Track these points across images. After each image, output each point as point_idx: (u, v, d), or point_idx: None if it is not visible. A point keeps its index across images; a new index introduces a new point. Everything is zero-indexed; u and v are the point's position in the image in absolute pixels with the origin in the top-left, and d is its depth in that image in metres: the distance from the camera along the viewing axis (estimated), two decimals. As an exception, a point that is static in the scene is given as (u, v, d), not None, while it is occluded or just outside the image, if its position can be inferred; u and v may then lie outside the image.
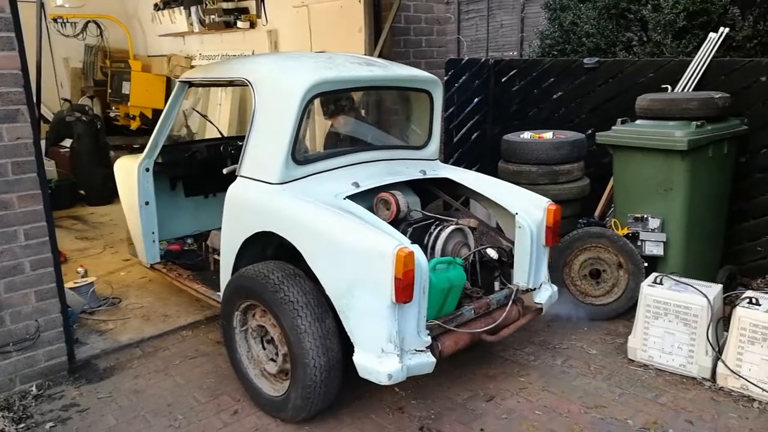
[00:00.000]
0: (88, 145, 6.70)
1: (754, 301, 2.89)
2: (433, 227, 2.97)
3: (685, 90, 4.19)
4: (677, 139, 3.48)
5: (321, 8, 5.23)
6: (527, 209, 3.07)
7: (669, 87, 4.29)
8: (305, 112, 2.81)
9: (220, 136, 4.78)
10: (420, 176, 3.24)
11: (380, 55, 4.57)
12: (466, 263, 2.92)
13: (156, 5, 7.45)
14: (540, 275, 3.11)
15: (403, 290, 2.32)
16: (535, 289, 3.08)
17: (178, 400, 3.03)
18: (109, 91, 7.67)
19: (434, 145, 3.50)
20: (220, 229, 3.32)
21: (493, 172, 4.20)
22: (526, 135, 4.42)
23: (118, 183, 4.10)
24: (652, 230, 3.67)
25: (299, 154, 2.89)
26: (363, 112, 3.99)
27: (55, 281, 3.15)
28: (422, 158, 3.47)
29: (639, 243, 3.70)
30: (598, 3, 5.25)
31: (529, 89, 5.22)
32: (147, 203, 3.82)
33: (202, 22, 6.95)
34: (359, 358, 2.47)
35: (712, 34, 4.22)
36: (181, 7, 7.02)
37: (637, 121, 3.85)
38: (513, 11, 11.77)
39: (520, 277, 3.05)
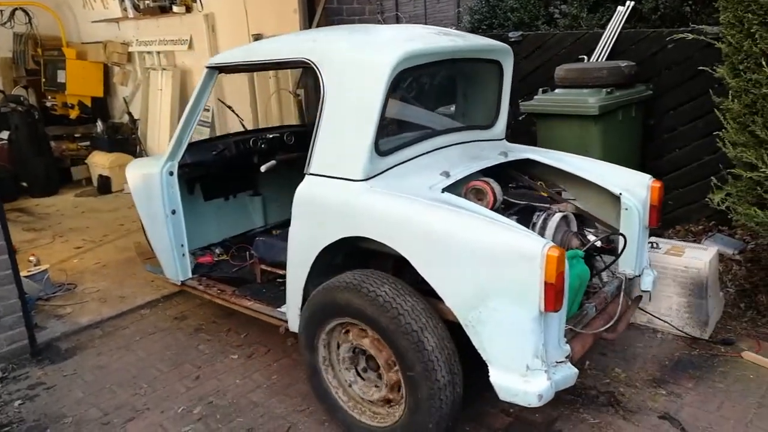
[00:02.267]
0: (27, 136, 6.63)
1: (655, 245, 3.28)
2: (535, 216, 2.59)
3: (599, 59, 4.55)
4: (590, 105, 3.84)
5: (257, -10, 5.34)
6: (630, 188, 2.72)
7: (585, 57, 4.64)
8: (391, 93, 2.41)
9: (243, 129, 4.25)
10: (503, 159, 2.85)
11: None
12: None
13: (87, -10, 7.34)
14: (643, 260, 2.80)
15: (556, 297, 1.96)
16: (639, 275, 2.78)
17: (142, 371, 3.22)
18: (44, 80, 7.51)
19: (502, 123, 3.14)
20: (268, 235, 3.21)
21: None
22: (432, 109, 4.71)
23: (133, 191, 3.59)
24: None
25: (383, 144, 2.47)
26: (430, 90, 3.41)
27: (10, 268, 3.25)
28: (491, 138, 3.11)
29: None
30: (521, -22, 5.55)
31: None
32: (174, 212, 3.34)
33: (136, 7, 6.91)
34: (499, 379, 2.08)
35: (620, 8, 4.58)
36: (114, -8, 6.96)
37: (556, 90, 4.19)
38: (449, -14, 12.02)
39: (627, 263, 2.72)
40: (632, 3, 4.57)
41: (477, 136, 3.03)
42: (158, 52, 6.95)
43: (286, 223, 4.07)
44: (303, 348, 2.61)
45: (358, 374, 2.53)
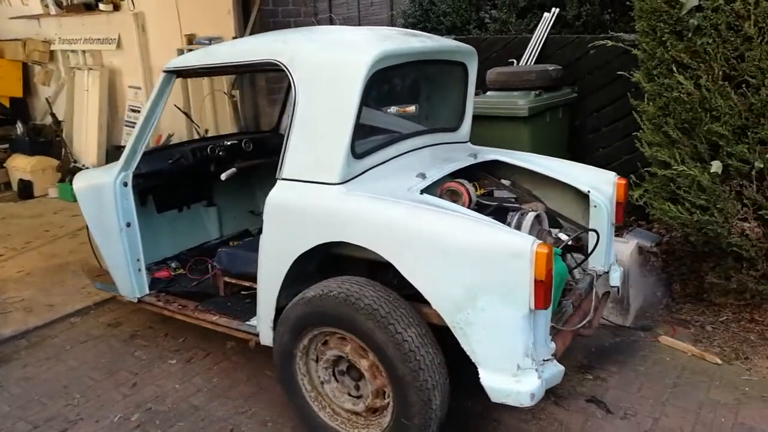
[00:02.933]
0: (-61, 139, 6.21)
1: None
2: (509, 216, 2.54)
3: (528, 63, 4.76)
4: (520, 107, 4.01)
5: (189, -11, 5.24)
6: (597, 186, 2.78)
7: (515, 61, 4.84)
8: (368, 93, 2.37)
9: (198, 137, 4.09)
10: (473, 161, 2.86)
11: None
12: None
13: (4, -15, 6.96)
14: (611, 256, 2.85)
15: (545, 294, 1.96)
16: (608, 271, 2.84)
17: (74, 381, 3.11)
18: (-44, 79, 7.07)
19: (467, 125, 3.17)
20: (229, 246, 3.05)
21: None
22: (392, 109, 4.80)
23: (82, 204, 3.37)
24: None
25: (359, 146, 2.42)
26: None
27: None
28: (457, 141, 3.13)
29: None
30: (453, -16, 5.71)
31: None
32: (129, 225, 3.16)
33: (59, 4, 6.61)
34: (489, 381, 2.06)
35: (546, 14, 4.81)
36: (34, -12, 6.63)
37: (488, 93, 4.35)
38: (382, -11, 12.15)
39: (597, 260, 2.75)
40: (557, 10, 4.81)
41: (444, 139, 3.04)
42: (83, 51, 6.67)
43: (242, 234, 3.98)
44: (278, 360, 2.50)
45: (336, 380, 2.47)
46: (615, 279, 2.84)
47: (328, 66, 2.40)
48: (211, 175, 3.62)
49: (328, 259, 2.50)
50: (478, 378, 2.08)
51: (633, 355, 3.08)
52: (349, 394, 2.43)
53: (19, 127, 7.02)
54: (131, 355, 3.34)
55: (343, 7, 13.02)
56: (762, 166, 2.83)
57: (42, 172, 6.65)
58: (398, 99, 3.11)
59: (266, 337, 2.62)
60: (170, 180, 3.59)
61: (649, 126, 3.28)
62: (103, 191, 3.16)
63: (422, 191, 2.38)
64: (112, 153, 6.41)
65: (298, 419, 2.62)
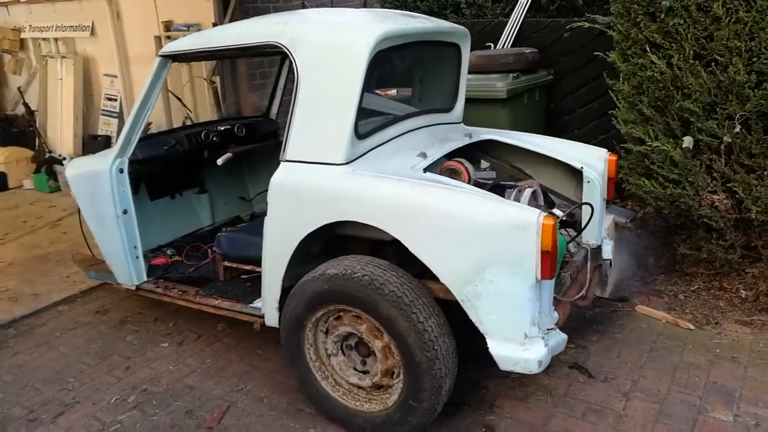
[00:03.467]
0: None
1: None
2: (506, 193, 2.61)
3: (505, 47, 4.85)
4: (498, 89, 4.11)
5: (165, -25, 5.19)
6: (589, 162, 2.85)
7: (492, 44, 4.93)
8: (370, 74, 2.38)
9: (190, 122, 4.10)
10: (468, 140, 2.93)
11: (231, 22, 4.72)
12: None
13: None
14: (602, 230, 2.92)
15: (551, 264, 2.03)
16: (600, 245, 2.91)
17: (67, 367, 3.13)
18: None
19: (460, 106, 3.23)
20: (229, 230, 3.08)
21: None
22: (393, 91, 4.87)
23: (75, 191, 3.36)
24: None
25: (361, 127, 2.44)
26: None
27: None
28: (451, 122, 3.18)
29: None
30: (428, -32, 5.77)
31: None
32: (125, 212, 3.16)
33: (29, -9, 6.48)
34: (498, 350, 2.13)
35: (521, -3, 4.91)
36: (1, -26, 6.49)
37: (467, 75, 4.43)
38: (355, -25, 12.10)
39: (591, 234, 2.81)
40: (532, -7, 4.91)
41: (438, 120, 3.08)
42: (56, 39, 6.56)
43: (234, 220, 4.00)
44: (286, 328, 2.52)
45: (344, 354, 2.51)
46: (607, 252, 2.92)
47: (332, 46, 2.41)
48: (203, 161, 3.63)
49: (331, 239, 2.52)
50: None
51: (611, 324, 3.23)
52: (355, 369, 2.48)
53: (-9, 118, 6.89)
54: (122, 340, 3.37)
55: (317, -8, 12.92)
56: (730, 140, 2.97)
57: (16, 163, 6.54)
58: (395, 81, 3.15)
59: (271, 319, 2.66)
60: (164, 166, 3.57)
61: (625, 104, 3.40)
62: (98, 178, 3.14)
63: (426, 169, 2.44)
64: (88, 142, 6.34)
65: (297, 388, 2.70)
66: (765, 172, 2.97)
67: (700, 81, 3.00)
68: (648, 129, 3.27)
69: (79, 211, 3.45)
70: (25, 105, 6.61)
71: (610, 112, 3.60)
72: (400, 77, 3.18)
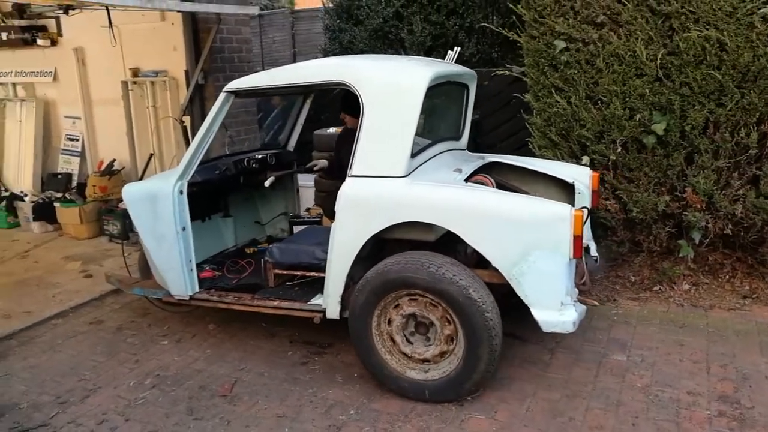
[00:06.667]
0: None
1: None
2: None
3: (437, 92, 5.77)
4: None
5: (133, 29, 5.70)
6: (578, 178, 3.53)
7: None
8: (424, 105, 2.93)
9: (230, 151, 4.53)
10: (482, 162, 3.64)
11: (202, 70, 5.36)
12: None
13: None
14: (590, 233, 3.60)
15: (579, 246, 2.64)
16: (588, 245, 3.53)
17: (79, 364, 3.51)
18: None
19: (466, 135, 3.89)
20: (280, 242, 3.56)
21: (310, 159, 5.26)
22: (331, 130, 5.62)
23: (133, 213, 3.64)
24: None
25: (414, 147, 2.99)
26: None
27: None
28: (460, 148, 3.85)
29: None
30: (368, 26, 6.66)
31: (322, 98, 6.35)
32: (184, 228, 3.48)
33: (-8, 39, 6.76)
34: (542, 315, 2.69)
35: (450, 52, 5.84)
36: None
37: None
38: (283, 28, 12.90)
39: (585, 235, 3.19)
40: (459, 48, 5.87)
41: (452, 146, 3.74)
42: (14, 84, 6.88)
43: (251, 243, 4.56)
44: (355, 324, 2.99)
45: (410, 342, 2.99)
46: (593, 250, 3.61)
47: (393, 84, 3.00)
48: (233, 186, 4.16)
49: (375, 244, 3.02)
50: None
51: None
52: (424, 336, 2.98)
53: (-58, 159, 6.99)
54: (124, 342, 3.79)
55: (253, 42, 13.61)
56: (615, 158, 3.95)
57: (-30, 202, 6.69)
58: (429, 113, 3.84)
59: (333, 312, 3.12)
60: (214, 189, 3.98)
61: (538, 133, 4.34)
62: (159, 199, 3.48)
63: (465, 180, 3.09)
64: (48, 180, 6.63)
65: (295, 363, 3.30)
66: (640, 182, 3.95)
67: (591, 115, 3.98)
68: (556, 152, 4.21)
69: (121, 240, 3.97)
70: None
71: (527, 139, 4.53)
72: (431, 110, 3.85)
